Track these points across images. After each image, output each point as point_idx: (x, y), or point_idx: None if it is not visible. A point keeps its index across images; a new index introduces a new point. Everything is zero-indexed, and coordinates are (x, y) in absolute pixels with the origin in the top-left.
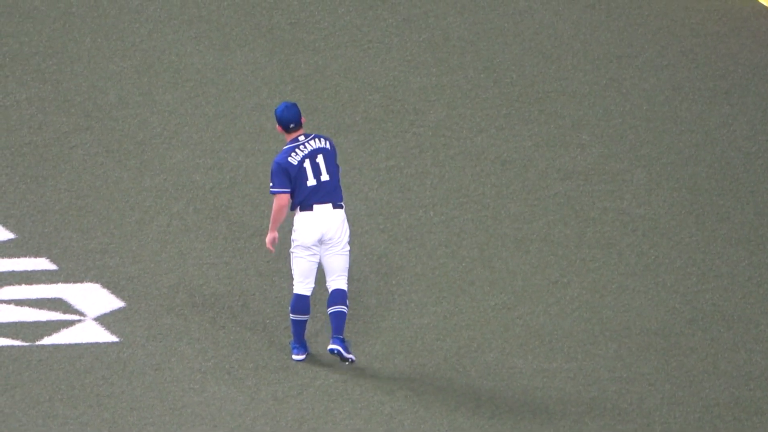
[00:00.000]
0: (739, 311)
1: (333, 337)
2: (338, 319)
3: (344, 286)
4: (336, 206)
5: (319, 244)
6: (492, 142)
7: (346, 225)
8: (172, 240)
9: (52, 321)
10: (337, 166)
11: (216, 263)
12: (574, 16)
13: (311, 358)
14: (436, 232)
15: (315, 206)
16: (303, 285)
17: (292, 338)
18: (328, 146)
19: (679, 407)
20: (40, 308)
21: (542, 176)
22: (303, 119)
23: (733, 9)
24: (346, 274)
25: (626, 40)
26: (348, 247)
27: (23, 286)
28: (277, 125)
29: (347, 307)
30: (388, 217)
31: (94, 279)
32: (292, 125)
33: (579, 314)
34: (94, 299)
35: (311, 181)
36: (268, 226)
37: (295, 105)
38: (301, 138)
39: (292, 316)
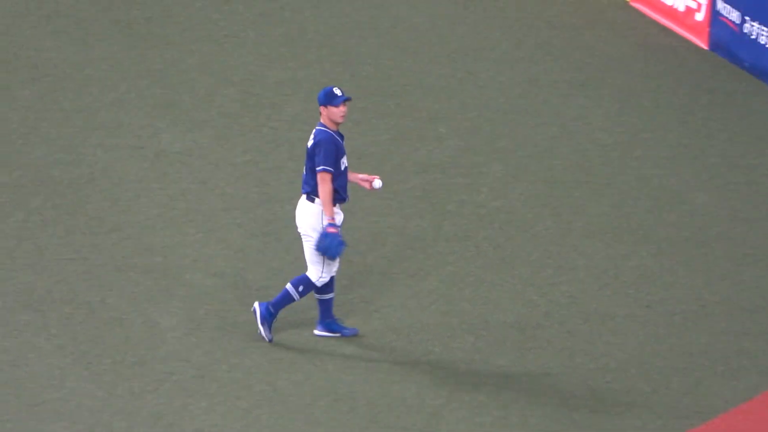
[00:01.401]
0: (596, 304)
1: (268, 303)
2: (281, 295)
3: (308, 272)
4: (306, 197)
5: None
6: (349, 135)
7: (308, 217)
8: (29, 236)
9: None
10: (314, 160)
11: (74, 258)
12: (431, 10)
13: (168, 354)
14: (293, 226)
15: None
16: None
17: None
18: (311, 140)
19: (536, 399)
20: None
21: (399, 169)
22: (321, 107)
23: (589, 1)
24: (309, 261)
25: (482, 33)
26: (309, 238)
27: None
28: None
29: (295, 289)
30: (245, 211)
31: None
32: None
33: (436, 307)
34: None
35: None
36: (125, 222)
37: (325, 89)
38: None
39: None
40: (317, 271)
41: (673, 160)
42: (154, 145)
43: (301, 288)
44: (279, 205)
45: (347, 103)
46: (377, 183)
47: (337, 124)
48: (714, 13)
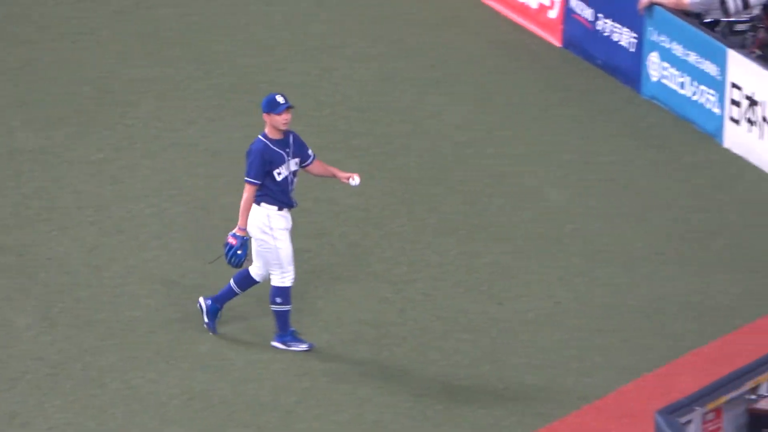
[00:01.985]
0: (450, 301)
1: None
2: (277, 320)
3: (272, 282)
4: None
5: None
6: (203, 133)
7: (253, 220)
8: None
9: None
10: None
11: None
12: (286, 7)
13: (23, 352)
14: (148, 224)
15: None
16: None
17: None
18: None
19: (391, 396)
20: None
21: None
22: (264, 115)
23: None
24: (269, 268)
25: (338, 30)
26: (260, 242)
27: None
28: None
29: (273, 303)
30: (99, 209)
31: None
32: None
33: (292, 305)
34: None
35: None
36: None
37: (267, 97)
38: None
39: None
40: (277, 274)
41: (527, 157)
42: (8, 143)
43: (279, 299)
44: (134, 202)
45: (290, 110)
46: (354, 181)
47: (281, 131)
48: (567, 11)
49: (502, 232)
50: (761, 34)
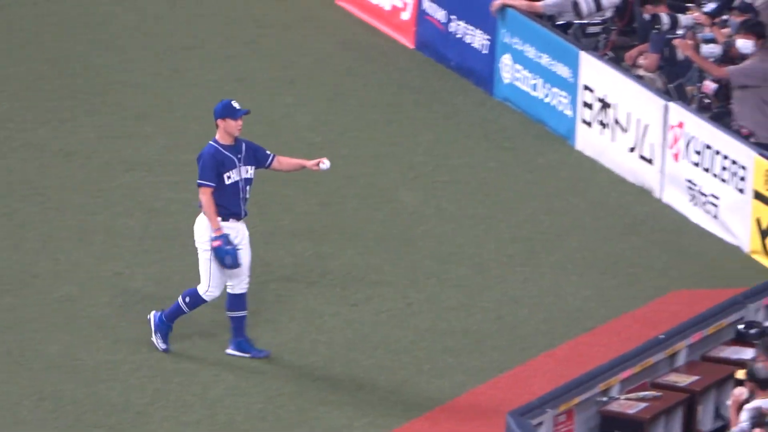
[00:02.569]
0: (303, 302)
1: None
2: (173, 306)
3: (198, 285)
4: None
5: None
6: (55, 134)
7: (197, 229)
8: None
9: None
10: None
11: None
12: (139, 7)
13: None
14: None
15: None
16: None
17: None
18: None
19: (243, 398)
20: None
21: (106, 168)
22: (218, 120)
23: (296, 0)
24: (201, 274)
25: (191, 31)
26: (199, 250)
27: None
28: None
29: (183, 300)
30: None
31: None
32: None
33: (142, 306)
34: None
35: None
36: None
37: (223, 103)
38: None
39: None
40: (204, 285)
41: (379, 158)
42: None
43: (188, 299)
44: None
45: (244, 116)
46: (324, 165)
47: (233, 137)
48: (420, 13)
49: (356, 233)
50: (613, 36)
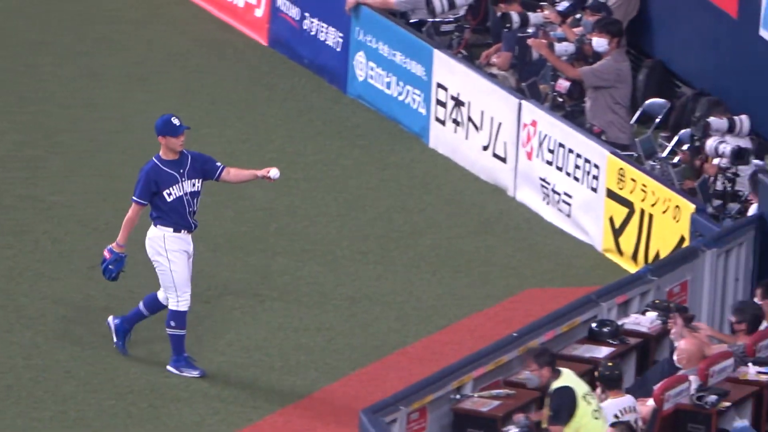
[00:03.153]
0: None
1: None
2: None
3: (169, 305)
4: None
5: None
6: None
7: (149, 241)
8: None
9: None
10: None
11: None
12: None
13: None
14: None
15: None
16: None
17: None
18: None
19: (94, 394)
20: None
21: None
22: (159, 137)
23: None
24: (163, 289)
25: (43, 26)
26: (156, 263)
27: None
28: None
29: (168, 327)
30: None
31: None
32: None
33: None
34: None
35: None
36: None
37: (163, 119)
38: None
39: None
40: (173, 298)
41: (232, 155)
42: None
43: (173, 323)
44: None
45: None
46: (273, 173)
47: (176, 152)
48: (273, 10)
49: (207, 231)
50: (467, 34)
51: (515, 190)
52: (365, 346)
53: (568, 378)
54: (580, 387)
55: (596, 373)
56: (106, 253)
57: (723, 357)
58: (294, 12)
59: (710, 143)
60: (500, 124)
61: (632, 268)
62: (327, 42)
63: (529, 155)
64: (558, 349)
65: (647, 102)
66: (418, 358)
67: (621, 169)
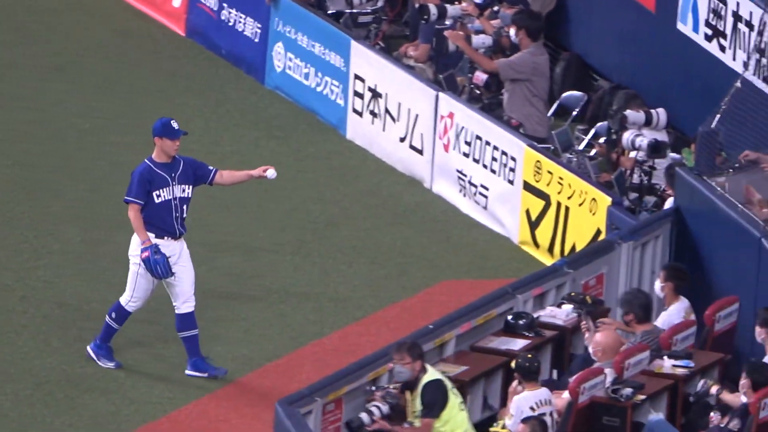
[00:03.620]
0: (71, 289)
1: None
2: (103, 328)
3: (120, 298)
4: None
5: None
6: None
7: (132, 242)
8: None
9: None
10: None
11: None
12: None
13: None
14: None
15: None
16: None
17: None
18: None
19: (10, 384)
20: None
21: None
22: (155, 138)
23: None
24: (127, 286)
25: None
26: (130, 259)
27: None
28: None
29: (109, 317)
30: None
31: None
32: None
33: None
34: None
35: None
36: None
37: (162, 121)
38: None
39: None
40: (126, 296)
41: (148, 145)
42: None
43: (114, 315)
44: None
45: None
46: (270, 173)
47: (170, 156)
48: (191, 0)
49: (125, 220)
50: (384, 26)
51: (432, 182)
52: (281, 337)
53: (433, 372)
54: (446, 381)
55: (513, 364)
56: (144, 254)
57: (638, 350)
58: (212, 2)
59: (627, 136)
60: (417, 115)
61: (548, 261)
62: (245, 32)
63: (446, 147)
64: (474, 341)
65: (564, 95)
66: (334, 349)
67: (538, 161)
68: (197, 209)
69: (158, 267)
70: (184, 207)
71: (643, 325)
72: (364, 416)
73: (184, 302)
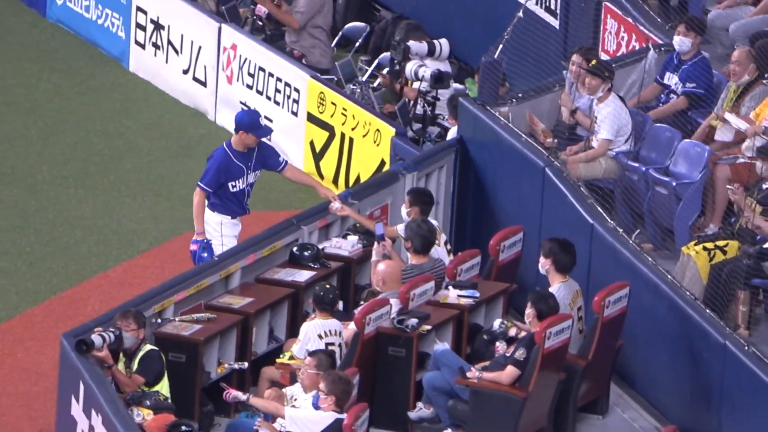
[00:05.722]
0: None
1: None
2: None
3: None
4: None
5: None
6: None
7: (206, 226)
8: None
9: None
10: None
11: None
12: None
13: None
14: None
15: None
16: None
17: None
18: None
19: None
20: None
21: None
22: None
23: None
24: None
25: None
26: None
27: None
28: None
29: None
30: None
31: None
32: None
33: None
34: None
35: None
36: None
37: (250, 115)
38: None
39: None
40: None
41: None
42: None
43: None
44: None
45: None
46: (335, 205)
47: (248, 148)
48: None
49: None
50: None
51: (216, 113)
52: (66, 270)
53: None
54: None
55: (312, 294)
56: (193, 246)
57: (424, 280)
58: None
59: (410, 67)
60: (200, 47)
61: (333, 192)
62: None
63: (230, 79)
64: (259, 273)
65: (347, 26)
66: (119, 281)
67: (321, 93)
68: None
69: (199, 263)
70: (250, 190)
71: (419, 257)
72: (96, 339)
73: None
